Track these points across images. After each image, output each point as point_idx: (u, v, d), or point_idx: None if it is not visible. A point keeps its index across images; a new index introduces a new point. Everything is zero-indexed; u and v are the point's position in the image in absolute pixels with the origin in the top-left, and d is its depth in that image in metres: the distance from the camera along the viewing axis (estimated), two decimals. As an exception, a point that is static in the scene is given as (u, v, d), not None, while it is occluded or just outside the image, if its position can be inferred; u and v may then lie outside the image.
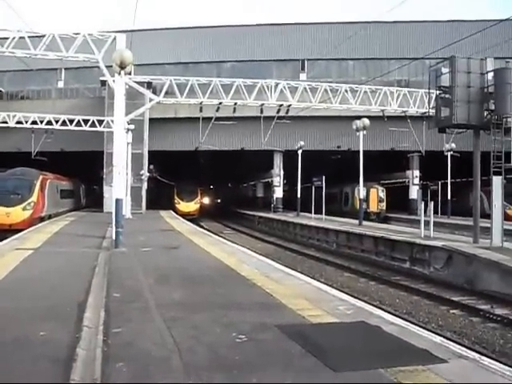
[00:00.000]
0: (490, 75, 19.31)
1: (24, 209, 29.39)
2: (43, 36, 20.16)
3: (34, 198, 30.09)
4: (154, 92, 30.32)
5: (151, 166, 44.27)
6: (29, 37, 20.20)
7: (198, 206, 49.41)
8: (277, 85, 28.83)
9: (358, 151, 30.54)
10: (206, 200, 55.55)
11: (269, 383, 5.19)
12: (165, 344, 6.35)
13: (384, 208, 44.33)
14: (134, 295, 9.25)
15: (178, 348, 6.17)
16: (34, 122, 35.67)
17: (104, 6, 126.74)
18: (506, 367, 6.15)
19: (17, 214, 28.92)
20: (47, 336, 6.59)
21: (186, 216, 39.80)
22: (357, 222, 30.52)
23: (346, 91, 29.72)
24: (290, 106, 29.40)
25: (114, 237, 17.02)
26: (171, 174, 55.54)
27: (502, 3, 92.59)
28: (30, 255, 14.53)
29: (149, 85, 33.05)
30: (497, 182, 18.18)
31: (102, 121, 36.20)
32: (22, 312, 7.87)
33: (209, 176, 55.21)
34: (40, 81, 48.16)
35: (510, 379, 5.50)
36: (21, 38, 19.94)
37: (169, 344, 6.35)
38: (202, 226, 33.68)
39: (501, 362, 6.91)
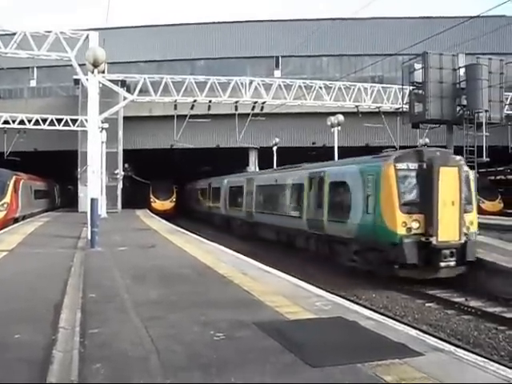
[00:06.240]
0: (462, 71, 19.62)
1: (-3, 210, 28.97)
2: (14, 34, 19.84)
3: (7, 198, 29.65)
4: (128, 90, 30.08)
5: (126, 165, 43.96)
6: (-1, 35, 19.91)
7: (173, 204, 49.34)
8: (251, 82, 28.82)
9: (333, 147, 30.68)
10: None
11: (248, 383, 5.19)
12: (142, 344, 6.32)
13: None
14: (111, 295, 9.19)
15: (155, 347, 6.15)
16: (6, 122, 35.13)
17: (76, 4, 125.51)
18: (480, 358, 6.27)
19: (-10, 215, 28.49)
20: (22, 338, 6.52)
21: (161, 214, 39.59)
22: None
23: (321, 88, 29.82)
24: (264, 102, 29.41)
25: (89, 236, 16.90)
26: (147, 173, 55.20)
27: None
28: (3, 257, 14.35)
29: (123, 83, 32.77)
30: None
31: (76, 120, 35.85)
32: (-3, 314, 7.78)
33: (185, 174, 54.87)
34: (11, 80, 47.47)
35: (484, 369, 5.60)
36: (-10, 36, 19.64)
37: (146, 344, 6.32)
38: (178, 225, 33.53)
39: (475, 353, 7.04)
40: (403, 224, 14.51)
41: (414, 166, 15.01)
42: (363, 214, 15.97)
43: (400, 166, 15.04)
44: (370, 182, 15.80)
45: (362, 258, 16.26)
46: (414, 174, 15.02)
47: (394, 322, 8.07)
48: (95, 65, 16.88)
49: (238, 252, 16.63)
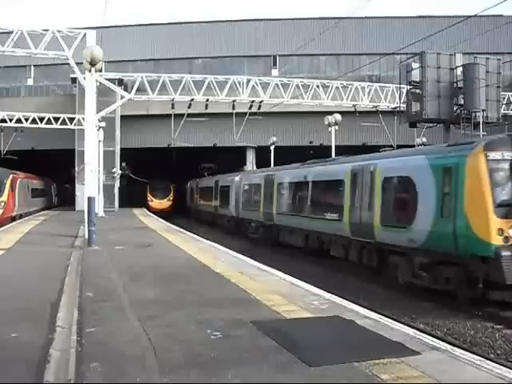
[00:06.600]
0: (459, 70, 19.63)
1: (-6, 209, 28.93)
2: (11, 32, 19.80)
3: (4, 197, 29.60)
4: (126, 89, 30.06)
5: (123, 164, 43.90)
6: (-5, 33, 19.89)
7: (170, 202, 49.46)
8: (248, 81, 28.80)
9: (330, 146, 30.70)
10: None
11: (245, 382, 5.19)
12: (139, 342, 6.32)
13: None
14: (108, 294, 9.19)
15: (152, 346, 6.15)
16: (3, 120, 35.08)
17: (73, 2, 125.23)
18: (476, 356, 6.28)
19: (-13, 214, 28.44)
20: (19, 337, 6.51)
21: (158, 213, 39.60)
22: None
23: (318, 87, 29.80)
24: (261, 101, 29.37)
25: (86, 235, 16.89)
26: (144, 172, 55.18)
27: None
28: (0, 256, 14.33)
29: (120, 82, 32.76)
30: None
31: (73, 118, 35.81)
32: (-6, 313, 7.76)
33: (182, 173, 54.85)
34: (9, 78, 47.32)
35: (480, 368, 5.61)
36: (-13, 34, 19.61)
37: (143, 342, 6.32)
38: (175, 224, 33.51)
39: (472, 352, 7.04)
40: (499, 232, 11.05)
41: (510, 155, 11.54)
42: (436, 218, 12.56)
43: (493, 155, 11.49)
44: (448, 178, 12.30)
45: (433, 273, 12.87)
46: (510, 165, 11.55)
47: (391, 320, 8.08)
48: (92, 63, 16.87)
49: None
